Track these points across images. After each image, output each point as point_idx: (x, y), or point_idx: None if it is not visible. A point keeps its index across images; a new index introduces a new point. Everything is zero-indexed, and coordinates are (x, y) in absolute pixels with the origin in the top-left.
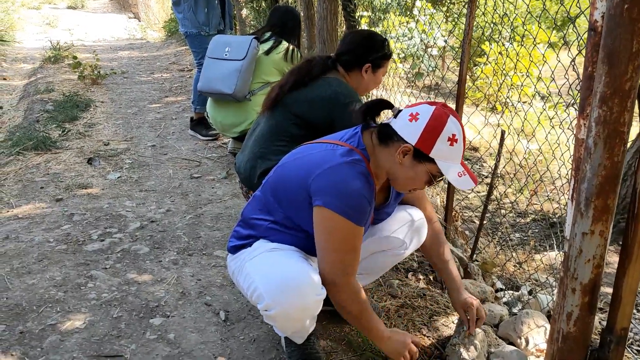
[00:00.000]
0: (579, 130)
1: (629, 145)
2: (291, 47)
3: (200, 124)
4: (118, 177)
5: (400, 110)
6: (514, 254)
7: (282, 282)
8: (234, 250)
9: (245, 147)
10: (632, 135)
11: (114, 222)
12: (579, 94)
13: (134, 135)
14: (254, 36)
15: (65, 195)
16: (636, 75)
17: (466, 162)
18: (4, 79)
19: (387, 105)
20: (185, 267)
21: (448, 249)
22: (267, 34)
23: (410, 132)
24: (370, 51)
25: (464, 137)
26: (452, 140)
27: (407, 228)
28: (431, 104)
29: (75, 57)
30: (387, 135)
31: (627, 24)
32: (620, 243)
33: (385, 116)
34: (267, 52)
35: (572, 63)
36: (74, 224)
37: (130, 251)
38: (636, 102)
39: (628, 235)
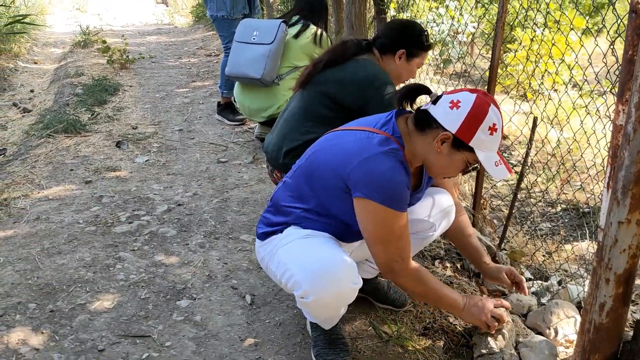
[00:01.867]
0: (617, 116)
1: None
2: (320, 30)
3: (227, 108)
4: (146, 161)
5: (439, 97)
6: (543, 244)
7: (320, 270)
8: (264, 236)
9: (275, 129)
10: None
11: (141, 204)
12: (617, 78)
13: (161, 119)
14: (282, 20)
15: (95, 178)
16: None
17: None
18: (35, 62)
19: (425, 90)
20: (211, 251)
21: (472, 228)
22: (295, 18)
23: (451, 119)
24: (407, 38)
25: (502, 127)
26: (493, 129)
27: (436, 211)
28: (472, 91)
29: (104, 42)
30: (425, 121)
31: None
32: None
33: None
34: (296, 36)
35: (612, 46)
36: (102, 206)
37: (157, 234)
38: None
39: None
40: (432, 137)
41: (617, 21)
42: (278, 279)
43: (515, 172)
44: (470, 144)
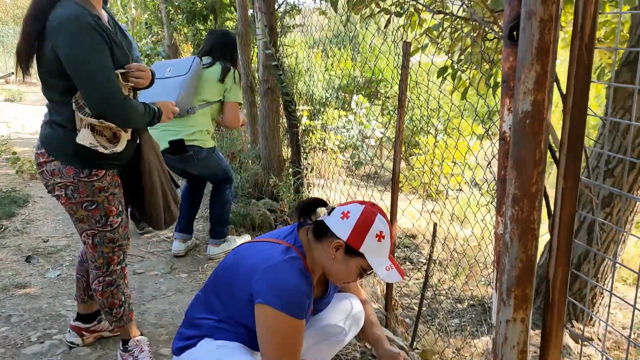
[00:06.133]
0: (498, 226)
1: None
2: (232, 69)
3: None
4: (58, 275)
5: (333, 208)
6: (451, 340)
7: None
8: (179, 351)
9: None
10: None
11: (53, 322)
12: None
13: (74, 231)
14: (196, 55)
15: (3, 296)
16: (541, 179)
17: (405, 248)
18: None
19: (321, 203)
20: None
21: (378, 323)
22: (207, 58)
23: (342, 228)
24: None
25: (391, 234)
26: (380, 236)
27: (346, 316)
28: (361, 203)
29: (14, 153)
30: (321, 231)
31: (529, 136)
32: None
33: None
34: (209, 73)
35: (489, 166)
36: (12, 326)
37: (71, 354)
38: (543, 201)
39: (546, 324)
40: (327, 245)
41: (491, 144)
42: None
43: (424, 271)
44: (361, 250)
